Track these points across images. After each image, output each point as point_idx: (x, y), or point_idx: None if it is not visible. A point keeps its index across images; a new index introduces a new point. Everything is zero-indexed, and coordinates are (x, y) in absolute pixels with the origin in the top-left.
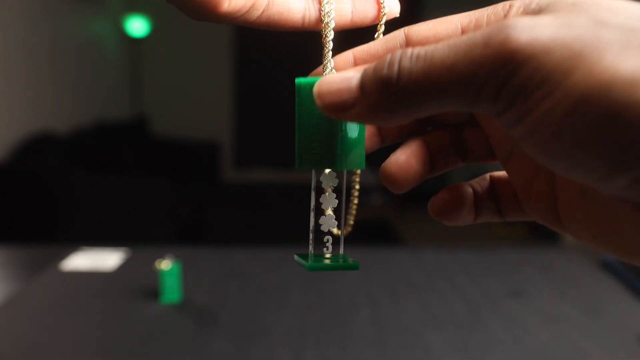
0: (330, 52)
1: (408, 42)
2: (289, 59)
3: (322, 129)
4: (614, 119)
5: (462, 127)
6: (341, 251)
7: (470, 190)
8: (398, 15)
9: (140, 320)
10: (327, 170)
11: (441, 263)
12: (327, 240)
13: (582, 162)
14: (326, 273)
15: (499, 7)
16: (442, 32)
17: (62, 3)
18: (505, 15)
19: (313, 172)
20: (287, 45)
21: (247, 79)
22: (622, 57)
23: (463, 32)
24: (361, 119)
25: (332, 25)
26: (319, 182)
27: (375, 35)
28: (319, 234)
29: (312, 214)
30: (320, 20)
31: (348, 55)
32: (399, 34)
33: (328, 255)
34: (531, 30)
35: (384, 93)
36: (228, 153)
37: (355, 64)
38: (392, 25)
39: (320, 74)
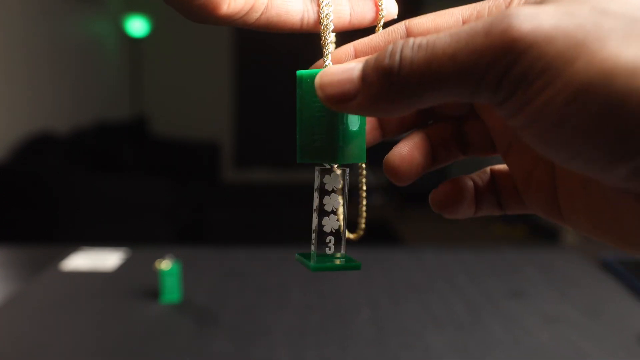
0: (330, 55)
1: (409, 35)
2: (289, 59)
3: (323, 122)
4: (615, 107)
5: (463, 120)
6: (342, 251)
7: (470, 183)
8: (396, 17)
9: (140, 320)
10: (332, 172)
11: (441, 263)
12: (330, 241)
13: (582, 152)
14: (327, 273)
15: None
16: (443, 24)
17: (62, 3)
18: (507, 7)
19: (316, 173)
20: (287, 45)
21: (247, 79)
22: (623, 46)
23: (464, 23)
24: (363, 110)
25: (331, 27)
26: (322, 184)
27: None
28: (321, 234)
29: (314, 214)
30: (318, 22)
31: (349, 47)
32: (399, 27)
33: (330, 255)
34: (533, 19)
35: (385, 83)
36: (228, 153)
37: (356, 56)
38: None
39: (322, 67)
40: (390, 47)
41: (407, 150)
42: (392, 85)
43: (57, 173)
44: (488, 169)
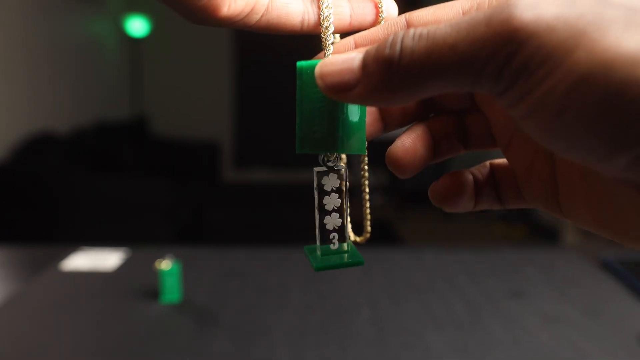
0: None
1: (409, 27)
2: (289, 59)
3: (323, 113)
4: (616, 97)
5: (464, 114)
6: (349, 239)
7: (470, 177)
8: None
9: (140, 320)
10: (330, 173)
11: (441, 263)
12: (333, 237)
13: (582, 141)
14: (328, 270)
15: None
16: (444, 16)
17: (62, 3)
18: None
19: (314, 174)
20: (287, 45)
21: (247, 79)
22: (624, 35)
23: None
24: (363, 100)
25: (332, 29)
26: (320, 184)
27: None
28: (324, 231)
29: (316, 212)
30: (319, 24)
31: (349, 40)
32: (400, 20)
33: (336, 249)
34: (534, 8)
35: (386, 73)
36: (228, 153)
37: (356, 48)
38: None
39: (322, 58)
40: (391, 37)
41: (409, 142)
42: (392, 75)
43: (57, 173)
44: (488, 163)
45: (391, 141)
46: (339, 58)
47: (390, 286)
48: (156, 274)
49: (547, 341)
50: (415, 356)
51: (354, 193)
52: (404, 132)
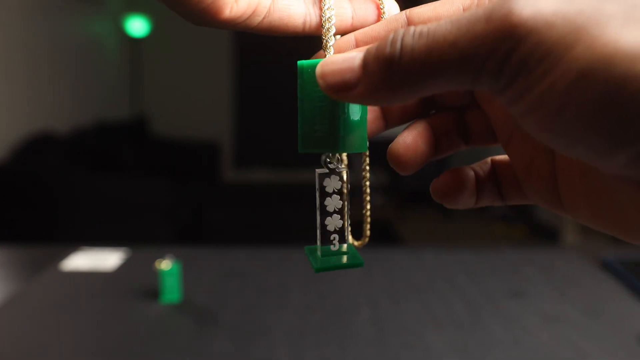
0: (332, 49)
1: (410, 24)
2: (289, 59)
3: (324, 112)
4: (616, 92)
5: (465, 111)
6: (348, 241)
7: (471, 173)
8: None
9: (140, 320)
10: (331, 175)
11: (441, 263)
12: (334, 239)
13: (582, 138)
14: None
15: None
16: (444, 13)
17: (62, 3)
18: None
19: (316, 176)
20: (288, 45)
21: (247, 79)
22: (624, 30)
23: (465, 11)
24: (364, 99)
25: (333, 30)
26: (322, 186)
27: None
28: (325, 232)
29: (317, 213)
30: (320, 25)
31: (350, 37)
32: (400, 16)
33: (336, 250)
34: (533, 4)
35: (386, 72)
36: (228, 153)
37: (357, 46)
38: None
39: (323, 57)
40: (391, 35)
41: (411, 139)
42: (393, 74)
43: (57, 173)
44: (489, 159)
45: (391, 140)
46: (340, 57)
47: (390, 286)
48: (156, 274)
49: (547, 341)
50: (415, 356)
51: (354, 193)
52: (405, 129)
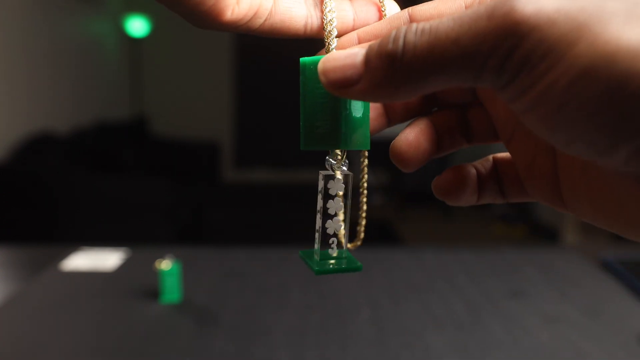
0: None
1: (412, 22)
2: (290, 59)
3: (326, 109)
4: (617, 89)
5: (467, 108)
6: (344, 248)
7: (473, 170)
8: None
9: (140, 320)
10: (335, 178)
11: (441, 263)
12: (332, 242)
13: (584, 134)
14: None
15: None
16: (446, 10)
17: (62, 3)
18: None
19: (320, 177)
20: (288, 45)
21: (247, 79)
22: (626, 27)
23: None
24: (365, 96)
25: (335, 33)
26: (325, 188)
27: None
28: (324, 235)
29: (318, 216)
30: (322, 28)
31: (352, 35)
32: (403, 14)
33: (333, 255)
34: (535, 1)
35: (389, 69)
36: (228, 153)
37: (359, 43)
38: None
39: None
40: (393, 32)
41: (413, 136)
42: (395, 71)
43: (57, 173)
44: (491, 157)
45: (390, 139)
46: (342, 54)
47: (390, 286)
48: (156, 274)
49: (547, 341)
50: (415, 356)
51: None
52: (407, 126)
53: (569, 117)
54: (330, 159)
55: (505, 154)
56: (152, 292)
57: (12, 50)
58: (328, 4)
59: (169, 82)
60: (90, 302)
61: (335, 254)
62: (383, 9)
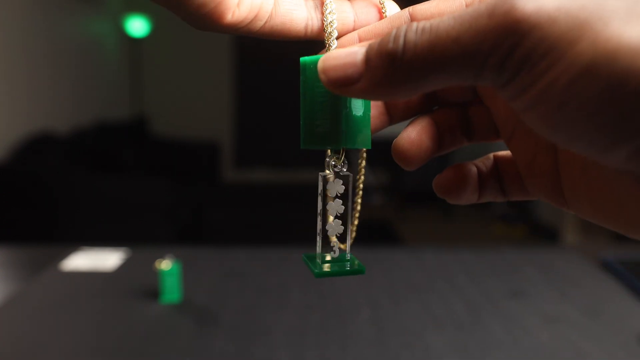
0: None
1: (413, 21)
2: (290, 59)
3: (326, 107)
4: (618, 87)
5: (467, 106)
6: (348, 252)
7: (474, 169)
8: None
9: (140, 320)
10: (335, 179)
11: (441, 263)
12: (334, 245)
13: (584, 133)
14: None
15: None
16: (447, 9)
17: (62, 3)
18: None
19: (320, 179)
20: (288, 45)
21: (247, 79)
22: (627, 25)
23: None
24: (366, 94)
25: (335, 34)
26: (325, 190)
27: None
28: (326, 237)
29: (319, 218)
30: (322, 29)
31: (353, 35)
32: (403, 14)
33: (336, 258)
34: (536, 0)
35: (389, 67)
36: (228, 153)
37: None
38: None
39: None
40: (394, 31)
41: (415, 134)
42: (395, 70)
43: (57, 173)
44: (491, 155)
45: (390, 139)
46: (342, 52)
47: (390, 286)
48: (156, 274)
49: (547, 341)
50: (415, 356)
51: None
52: (409, 124)
53: (570, 115)
54: (330, 160)
55: (506, 152)
56: (152, 292)
57: (12, 50)
58: (328, 5)
59: (169, 82)
60: (90, 302)
61: (337, 257)
62: (383, 11)
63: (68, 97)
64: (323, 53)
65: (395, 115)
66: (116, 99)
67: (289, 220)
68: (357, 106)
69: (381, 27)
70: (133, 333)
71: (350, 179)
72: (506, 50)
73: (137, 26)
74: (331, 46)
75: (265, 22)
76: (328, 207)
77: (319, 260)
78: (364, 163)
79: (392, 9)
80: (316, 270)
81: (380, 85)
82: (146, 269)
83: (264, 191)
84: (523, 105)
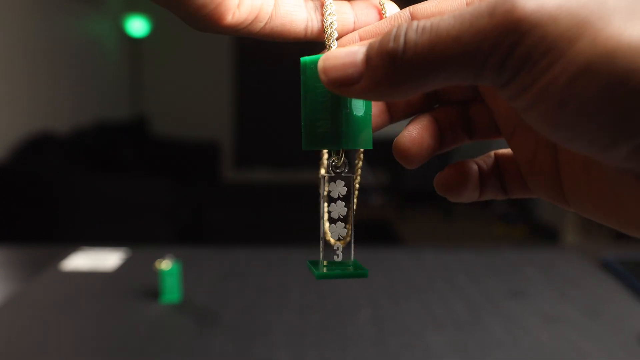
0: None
1: (413, 20)
2: (290, 59)
3: (326, 108)
4: (618, 86)
5: (468, 104)
6: (352, 257)
7: (475, 167)
8: None
9: (140, 320)
10: (337, 180)
11: (441, 263)
12: (337, 248)
13: (585, 131)
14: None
15: None
16: (448, 8)
17: (62, 3)
18: None
19: (322, 180)
20: (288, 45)
21: (247, 79)
22: (627, 24)
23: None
24: (366, 94)
25: (335, 35)
26: (328, 191)
27: None
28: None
29: (322, 222)
30: (322, 31)
31: (354, 35)
32: (404, 13)
33: (339, 263)
34: None
35: (389, 66)
36: (228, 153)
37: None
38: None
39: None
40: (394, 30)
41: (416, 132)
42: (396, 69)
43: (57, 173)
44: (492, 153)
45: (390, 139)
46: (342, 52)
47: (390, 286)
48: (156, 274)
49: (547, 341)
50: (415, 356)
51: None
52: (410, 122)
53: (570, 113)
54: (331, 161)
55: (507, 150)
56: (152, 292)
57: (12, 50)
58: (328, 7)
59: (169, 82)
60: (90, 302)
61: (340, 260)
62: (383, 12)
63: (68, 97)
64: (323, 53)
65: (396, 114)
66: (116, 99)
67: (289, 220)
68: (358, 106)
69: (382, 26)
70: (133, 333)
71: (352, 180)
72: (506, 50)
73: (137, 26)
74: (331, 47)
75: (266, 24)
76: (330, 208)
77: (321, 263)
78: (360, 164)
79: (392, 10)
80: (317, 272)
81: (381, 84)
82: (146, 269)
83: (264, 191)
84: (523, 104)
